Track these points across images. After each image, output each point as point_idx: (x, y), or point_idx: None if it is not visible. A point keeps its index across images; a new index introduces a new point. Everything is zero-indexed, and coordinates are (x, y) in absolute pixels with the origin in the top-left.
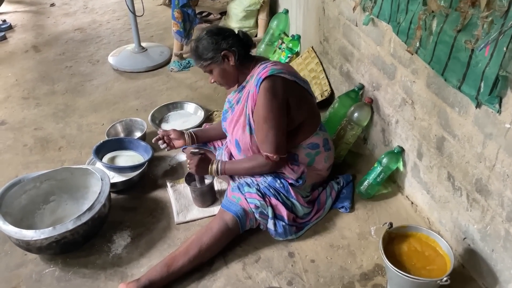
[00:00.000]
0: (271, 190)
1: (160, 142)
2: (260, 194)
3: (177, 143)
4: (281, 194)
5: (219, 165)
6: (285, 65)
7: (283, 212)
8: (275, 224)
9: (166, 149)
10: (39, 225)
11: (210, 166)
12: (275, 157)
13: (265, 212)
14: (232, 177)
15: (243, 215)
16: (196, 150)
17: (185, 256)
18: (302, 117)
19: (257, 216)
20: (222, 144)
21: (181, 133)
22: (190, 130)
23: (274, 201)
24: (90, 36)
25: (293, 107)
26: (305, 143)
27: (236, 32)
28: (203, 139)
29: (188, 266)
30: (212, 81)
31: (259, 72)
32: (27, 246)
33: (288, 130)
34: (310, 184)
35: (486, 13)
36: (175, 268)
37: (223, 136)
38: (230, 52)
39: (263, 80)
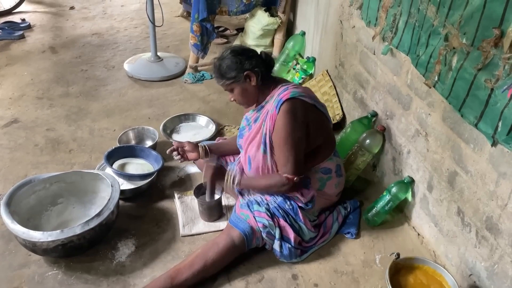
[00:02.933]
0: (280, 211)
1: (174, 153)
2: (269, 214)
3: (191, 155)
4: (290, 216)
5: (236, 176)
6: (305, 89)
7: (291, 234)
8: (281, 246)
9: (180, 161)
10: (45, 226)
11: (226, 176)
12: (295, 178)
13: (272, 233)
14: (241, 193)
15: (250, 233)
16: (213, 162)
17: (190, 270)
18: (319, 141)
19: (264, 235)
20: (234, 160)
21: (195, 146)
22: (204, 143)
23: (282, 222)
24: (107, 41)
25: (311, 131)
26: (319, 167)
27: (259, 53)
28: (217, 154)
29: (191, 280)
30: (232, 99)
31: (279, 94)
32: (33, 247)
33: (304, 153)
34: (318, 209)
35: (508, 55)
36: (178, 281)
37: (236, 152)
38: (253, 73)
39: (284, 102)
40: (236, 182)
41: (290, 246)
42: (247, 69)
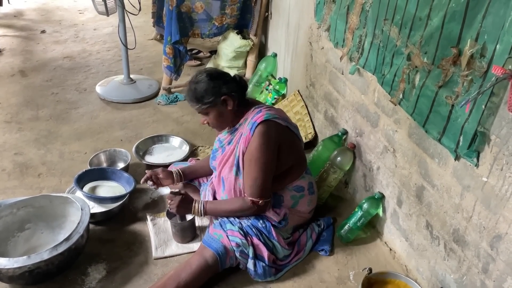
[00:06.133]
0: (253, 229)
1: (149, 182)
2: (242, 233)
3: (165, 182)
4: (263, 234)
5: (201, 206)
6: (278, 110)
7: (264, 252)
8: (255, 265)
9: (154, 189)
10: (11, 253)
11: (193, 206)
12: (260, 201)
13: (246, 252)
14: None
15: (223, 252)
16: (177, 190)
17: None
18: (291, 162)
19: (237, 254)
20: (207, 180)
21: (169, 173)
22: (178, 168)
23: (256, 241)
24: (79, 64)
25: (283, 152)
26: (291, 185)
27: (233, 76)
28: (191, 177)
29: None
30: (205, 122)
31: (253, 116)
32: None
33: (276, 174)
34: (292, 226)
35: (466, 72)
36: None
37: (210, 174)
38: (230, 98)
39: (258, 124)
40: (202, 211)
41: (264, 264)
42: (224, 93)
